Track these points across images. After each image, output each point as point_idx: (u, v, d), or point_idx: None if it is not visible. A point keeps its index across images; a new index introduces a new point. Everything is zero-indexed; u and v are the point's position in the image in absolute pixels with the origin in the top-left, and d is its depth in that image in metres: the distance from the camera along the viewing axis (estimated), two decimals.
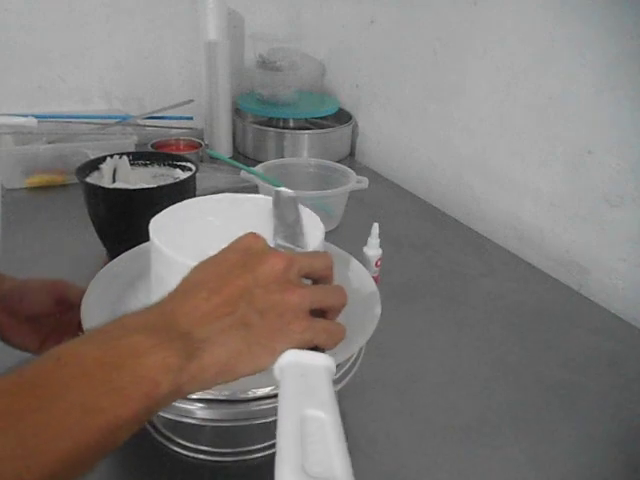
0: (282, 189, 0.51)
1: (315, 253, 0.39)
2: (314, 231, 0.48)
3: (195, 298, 0.32)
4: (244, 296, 0.32)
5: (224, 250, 0.36)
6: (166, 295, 0.34)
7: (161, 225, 0.47)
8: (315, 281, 0.37)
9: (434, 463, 0.49)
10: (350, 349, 0.44)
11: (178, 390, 0.30)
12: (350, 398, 0.55)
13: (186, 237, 0.45)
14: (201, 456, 0.48)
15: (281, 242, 0.42)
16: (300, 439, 0.28)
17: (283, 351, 0.32)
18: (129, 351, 0.29)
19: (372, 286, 0.52)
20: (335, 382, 0.44)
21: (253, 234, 0.36)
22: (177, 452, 0.48)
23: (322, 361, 0.33)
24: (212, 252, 0.36)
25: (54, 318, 0.52)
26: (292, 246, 0.41)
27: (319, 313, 0.35)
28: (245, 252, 0.35)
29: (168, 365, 0.29)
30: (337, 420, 0.29)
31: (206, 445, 0.49)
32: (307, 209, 0.52)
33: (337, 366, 0.43)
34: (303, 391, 0.31)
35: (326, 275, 0.37)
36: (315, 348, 0.34)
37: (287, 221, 0.46)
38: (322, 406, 0.30)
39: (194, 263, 0.36)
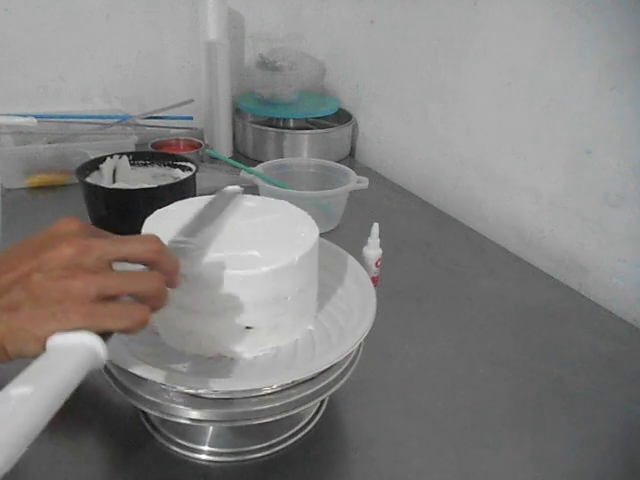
0: (229, 189, 0.50)
1: (131, 238, 0.35)
2: (309, 232, 0.48)
3: None
4: (21, 281, 0.31)
5: (39, 232, 0.35)
6: None
7: (153, 225, 0.47)
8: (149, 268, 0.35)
9: (434, 463, 0.49)
10: (347, 348, 0.44)
11: None
12: (350, 398, 0.55)
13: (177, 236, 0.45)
14: (201, 456, 0.48)
15: (178, 237, 0.41)
16: None
17: (48, 336, 0.30)
18: None
19: (368, 284, 0.52)
20: (334, 381, 0.44)
21: (71, 218, 0.35)
22: (177, 452, 0.48)
23: (82, 339, 0.30)
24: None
25: None
26: (184, 238, 0.40)
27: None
28: (49, 235, 0.34)
29: None
30: (42, 395, 0.27)
31: (206, 445, 0.49)
32: (300, 210, 0.52)
33: (335, 365, 0.44)
34: (36, 369, 0.28)
35: (150, 259, 0.35)
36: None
37: (205, 217, 0.44)
38: (30, 381, 0.27)
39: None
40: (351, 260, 0.56)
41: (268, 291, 0.44)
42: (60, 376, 0.28)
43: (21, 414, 0.26)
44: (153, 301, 0.34)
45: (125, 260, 0.34)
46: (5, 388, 0.27)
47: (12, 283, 0.31)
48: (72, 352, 0.30)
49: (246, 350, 0.45)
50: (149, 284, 0.34)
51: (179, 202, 0.52)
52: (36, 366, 0.29)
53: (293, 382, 0.41)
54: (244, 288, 0.43)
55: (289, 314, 0.46)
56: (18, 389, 0.27)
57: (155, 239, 0.35)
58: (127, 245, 0.34)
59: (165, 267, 0.35)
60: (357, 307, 0.50)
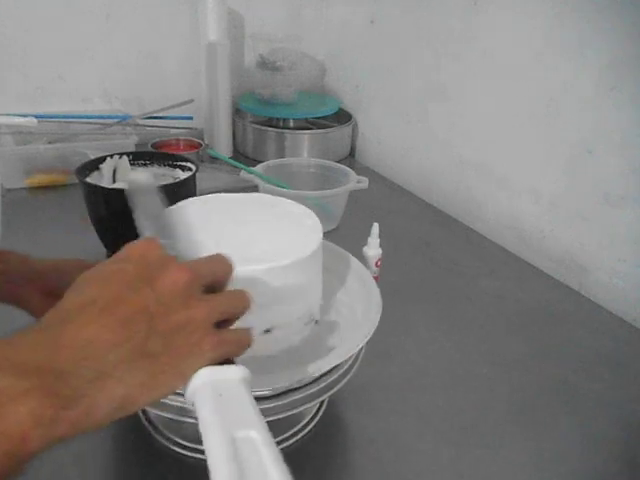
0: (137, 177, 0.46)
1: (213, 258, 0.34)
2: (312, 232, 0.48)
3: (81, 323, 0.27)
4: (143, 317, 0.28)
5: (114, 259, 0.31)
6: (46, 316, 0.28)
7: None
8: (216, 289, 0.33)
9: (434, 463, 0.49)
10: (350, 348, 0.44)
11: (55, 440, 0.25)
12: (350, 398, 0.55)
13: (185, 237, 0.45)
14: (201, 456, 0.48)
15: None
16: (236, 464, 0.27)
17: (194, 373, 0.29)
18: None
19: (373, 285, 0.52)
20: (335, 381, 0.44)
21: (147, 240, 0.32)
22: (177, 452, 0.48)
23: (237, 374, 0.31)
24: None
25: None
26: (167, 241, 0.36)
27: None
28: (139, 262, 0.30)
29: (38, 417, 0.24)
30: (268, 437, 0.28)
31: None
32: (305, 208, 0.52)
33: (337, 366, 0.44)
34: (226, 411, 0.29)
35: (226, 280, 0.33)
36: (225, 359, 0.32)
37: (150, 213, 0.41)
38: (250, 425, 0.28)
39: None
40: (355, 262, 0.56)
41: (274, 290, 0.44)
42: (256, 412, 0.29)
43: (269, 457, 0.27)
44: (235, 320, 0.33)
45: (212, 283, 0.33)
46: (223, 428, 0.28)
47: (136, 319, 0.28)
48: (242, 387, 0.30)
49: (249, 350, 0.45)
50: (245, 304, 0.33)
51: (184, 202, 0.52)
52: (225, 405, 0.29)
53: (298, 382, 0.41)
54: (258, 286, 0.43)
55: (291, 315, 0.46)
56: (240, 432, 0.27)
57: (227, 258, 0.34)
58: (213, 266, 0.33)
59: (227, 285, 0.34)
60: (361, 310, 0.50)
